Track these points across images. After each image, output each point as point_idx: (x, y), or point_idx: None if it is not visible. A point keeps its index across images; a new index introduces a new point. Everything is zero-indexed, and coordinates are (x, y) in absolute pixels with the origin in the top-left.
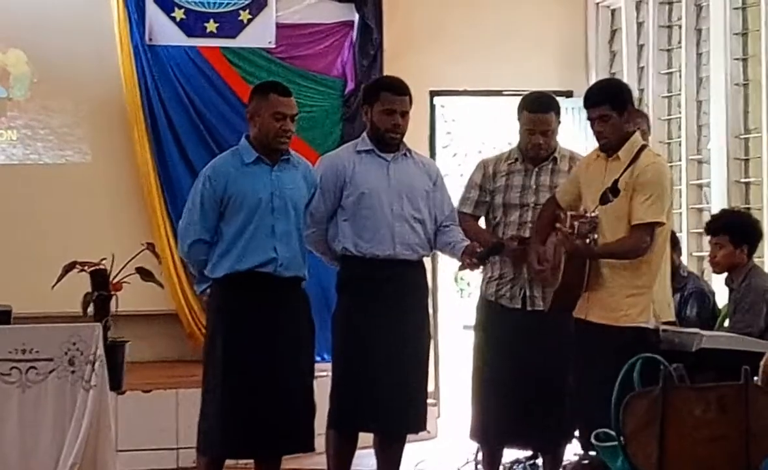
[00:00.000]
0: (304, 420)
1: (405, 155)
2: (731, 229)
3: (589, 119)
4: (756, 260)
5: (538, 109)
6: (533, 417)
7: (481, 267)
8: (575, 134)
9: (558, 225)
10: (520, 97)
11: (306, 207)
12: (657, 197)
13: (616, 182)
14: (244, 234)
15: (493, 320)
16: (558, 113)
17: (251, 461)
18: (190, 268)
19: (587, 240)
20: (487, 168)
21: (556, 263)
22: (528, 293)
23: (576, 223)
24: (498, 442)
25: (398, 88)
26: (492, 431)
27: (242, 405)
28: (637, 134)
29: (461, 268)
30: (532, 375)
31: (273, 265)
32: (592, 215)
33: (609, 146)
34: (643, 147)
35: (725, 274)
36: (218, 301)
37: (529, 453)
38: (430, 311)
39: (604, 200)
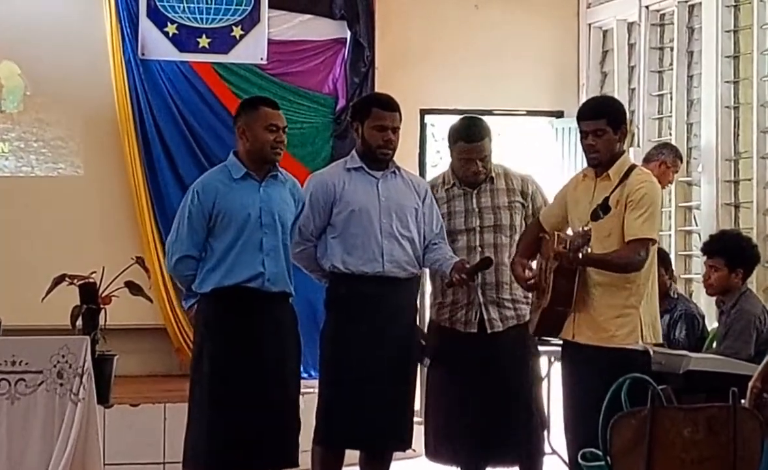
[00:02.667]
0: (289, 435)
1: (394, 172)
2: (728, 252)
3: (582, 131)
4: None
5: (474, 138)
6: (503, 435)
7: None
8: (564, 154)
9: (553, 246)
10: (513, 116)
11: (293, 223)
12: (650, 214)
13: (606, 199)
14: (233, 249)
15: (449, 345)
16: (490, 136)
17: None
18: (177, 283)
19: (580, 254)
20: None
21: (543, 285)
22: (486, 317)
23: (569, 237)
24: (474, 464)
25: (389, 105)
26: (464, 453)
27: (228, 420)
28: (627, 155)
29: (449, 284)
30: (496, 395)
31: (261, 280)
32: (586, 228)
33: (598, 162)
34: (632, 167)
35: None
36: (206, 316)
37: None
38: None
39: (594, 216)
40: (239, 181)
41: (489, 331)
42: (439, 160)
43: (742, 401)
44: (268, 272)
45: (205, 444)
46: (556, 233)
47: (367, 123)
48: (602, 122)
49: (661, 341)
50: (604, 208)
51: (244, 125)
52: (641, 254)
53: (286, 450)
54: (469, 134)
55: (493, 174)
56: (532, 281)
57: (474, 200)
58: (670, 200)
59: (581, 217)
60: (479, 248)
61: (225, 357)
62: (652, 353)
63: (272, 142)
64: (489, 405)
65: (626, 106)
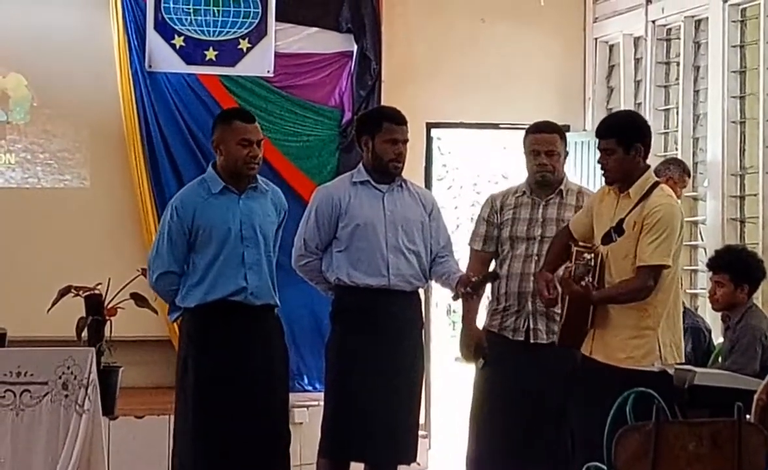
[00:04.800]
0: (277, 446)
1: (401, 186)
2: (732, 268)
3: (597, 149)
4: None
5: (542, 130)
6: (532, 449)
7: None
8: (571, 168)
9: (566, 265)
10: (518, 130)
11: (276, 232)
12: (665, 238)
13: (621, 221)
14: (215, 265)
15: (496, 351)
16: (563, 138)
17: None
18: (160, 298)
19: (583, 283)
20: (494, 202)
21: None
22: (531, 326)
23: (572, 266)
24: None
25: (399, 118)
26: (489, 462)
27: (214, 431)
28: (650, 171)
29: (455, 298)
30: (533, 407)
31: (243, 294)
32: (588, 258)
33: (610, 181)
34: (655, 185)
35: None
36: (190, 330)
37: None
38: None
39: (606, 240)
40: (218, 195)
41: (532, 341)
42: (445, 173)
43: (748, 416)
44: (250, 286)
45: (192, 456)
46: (574, 249)
47: (378, 137)
48: (612, 141)
49: (683, 360)
50: (617, 230)
51: (219, 140)
52: (649, 282)
53: (274, 461)
54: (539, 126)
55: (564, 188)
56: (552, 298)
57: (540, 210)
58: None
59: (600, 235)
60: (536, 258)
61: (210, 369)
62: (672, 372)
63: (245, 157)
64: (522, 415)
65: None
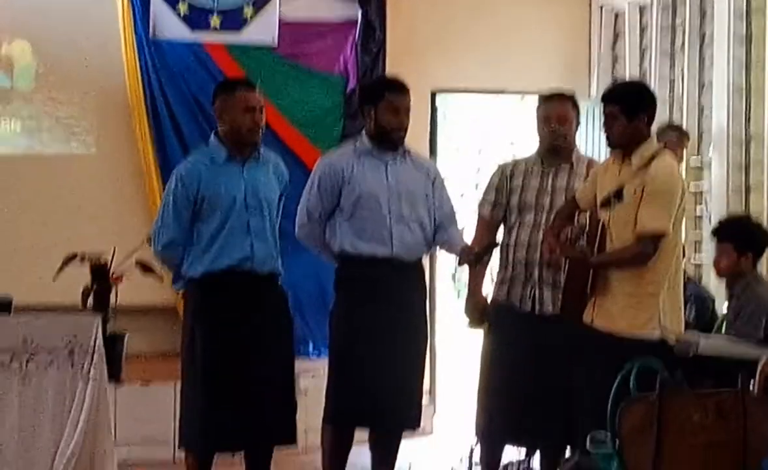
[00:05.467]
0: (285, 414)
1: (404, 155)
2: (736, 236)
3: (602, 113)
4: None
5: (554, 98)
6: (539, 417)
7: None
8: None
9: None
10: (524, 96)
11: (279, 200)
12: (663, 206)
13: (621, 187)
14: (221, 233)
15: (503, 320)
16: (576, 108)
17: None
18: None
19: (578, 244)
20: (505, 170)
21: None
22: (537, 295)
23: (568, 230)
24: (501, 439)
25: (401, 87)
26: (496, 427)
27: (223, 401)
28: (653, 139)
29: (460, 263)
30: (540, 376)
31: (249, 262)
32: (581, 221)
33: (611, 145)
34: (656, 153)
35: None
36: (196, 299)
37: (522, 456)
38: (428, 310)
39: (605, 204)
40: (222, 164)
41: (537, 312)
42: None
43: (752, 384)
44: (256, 254)
45: (200, 426)
46: (578, 217)
47: (380, 106)
48: (615, 108)
49: (683, 329)
50: (617, 195)
51: (221, 108)
52: (648, 249)
53: (283, 428)
54: (551, 95)
55: (575, 159)
56: (553, 252)
57: (550, 180)
58: None
59: (601, 200)
60: (544, 227)
61: (217, 338)
62: (672, 341)
63: (249, 123)
64: (529, 384)
65: None
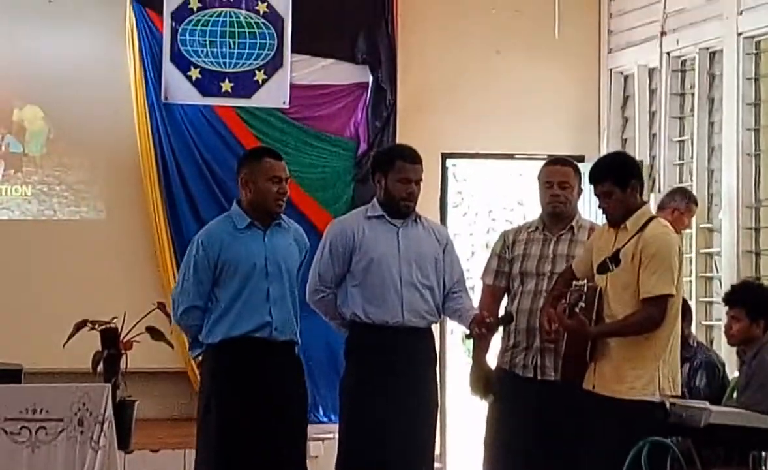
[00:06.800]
0: None
1: (415, 221)
2: (748, 303)
3: (595, 194)
4: None
5: (556, 162)
6: None
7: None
8: (585, 198)
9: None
10: (534, 161)
11: (298, 270)
12: (666, 268)
13: (618, 251)
14: (239, 299)
15: (506, 387)
16: (578, 174)
17: None
18: (183, 334)
19: (577, 308)
20: (507, 237)
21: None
22: (539, 363)
23: (566, 300)
24: None
25: (413, 157)
26: None
27: (236, 468)
28: (647, 206)
29: (469, 336)
30: (543, 442)
31: (268, 329)
32: (579, 284)
33: (614, 221)
34: (651, 219)
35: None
36: (213, 366)
37: None
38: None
39: (602, 269)
40: (243, 231)
41: (539, 378)
42: (461, 201)
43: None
44: (275, 322)
45: None
46: (575, 284)
47: (390, 175)
48: (608, 184)
49: (680, 393)
50: (614, 259)
51: (247, 176)
52: (655, 313)
53: None
54: (553, 160)
55: (576, 225)
56: (552, 332)
57: (551, 246)
58: (690, 246)
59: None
60: (545, 294)
61: (233, 407)
62: (668, 406)
63: (275, 193)
64: (534, 452)
65: (647, 152)
